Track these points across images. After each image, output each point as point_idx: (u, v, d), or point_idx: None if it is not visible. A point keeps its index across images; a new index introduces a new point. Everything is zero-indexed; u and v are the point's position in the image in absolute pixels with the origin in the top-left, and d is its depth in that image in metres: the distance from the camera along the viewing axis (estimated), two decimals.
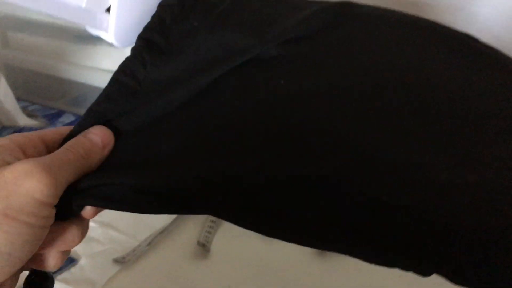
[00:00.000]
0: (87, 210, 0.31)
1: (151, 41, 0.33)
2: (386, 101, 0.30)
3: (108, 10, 0.30)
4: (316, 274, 0.52)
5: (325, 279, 0.51)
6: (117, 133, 0.31)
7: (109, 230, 0.57)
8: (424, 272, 0.28)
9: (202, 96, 0.31)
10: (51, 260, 0.30)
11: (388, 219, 0.26)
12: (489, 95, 0.32)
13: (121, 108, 0.32)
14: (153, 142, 0.31)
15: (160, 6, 0.34)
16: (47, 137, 0.31)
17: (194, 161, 0.29)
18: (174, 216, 0.58)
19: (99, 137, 0.31)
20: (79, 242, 0.31)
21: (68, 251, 0.32)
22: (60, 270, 0.50)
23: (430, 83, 0.32)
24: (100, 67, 0.73)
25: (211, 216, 0.59)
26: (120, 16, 0.31)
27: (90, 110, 0.32)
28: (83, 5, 0.29)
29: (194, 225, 0.58)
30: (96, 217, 0.59)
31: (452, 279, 0.27)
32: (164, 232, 0.56)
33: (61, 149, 0.29)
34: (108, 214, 0.59)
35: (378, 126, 0.29)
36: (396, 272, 0.51)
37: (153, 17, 0.33)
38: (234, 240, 0.57)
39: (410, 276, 0.51)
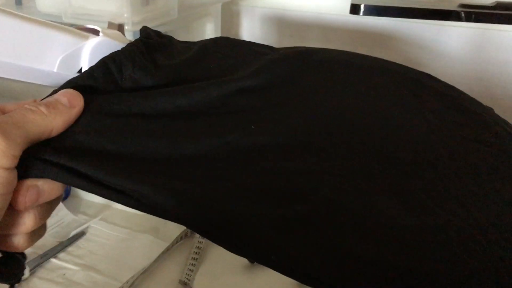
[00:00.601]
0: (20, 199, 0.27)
1: (147, 43, 0.34)
2: (343, 149, 0.32)
3: (80, 71, 0.32)
4: None
5: None
6: (95, 112, 0.30)
7: (91, 272, 0.57)
8: None
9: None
10: (16, 240, 0.28)
11: (354, 269, 0.27)
12: (446, 138, 0.34)
13: (101, 90, 0.31)
14: (132, 138, 0.30)
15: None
16: (7, 109, 0.29)
17: (169, 169, 0.29)
18: (155, 255, 0.59)
19: (66, 97, 0.28)
20: (40, 223, 0.29)
21: (39, 233, 0.30)
22: None
23: (388, 129, 0.34)
24: None
25: (193, 254, 0.60)
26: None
27: (69, 81, 0.31)
28: (55, 69, 0.31)
29: (175, 264, 0.59)
30: (77, 260, 0.60)
31: None
32: (145, 273, 0.57)
33: (20, 108, 0.27)
34: (89, 257, 0.60)
35: (337, 177, 0.30)
36: None
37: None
38: (216, 277, 0.57)
39: None
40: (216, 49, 0.38)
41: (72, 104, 0.29)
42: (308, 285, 0.29)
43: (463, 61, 0.80)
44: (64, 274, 0.57)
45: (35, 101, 0.29)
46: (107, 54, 0.32)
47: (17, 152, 0.25)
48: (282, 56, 0.38)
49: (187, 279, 0.56)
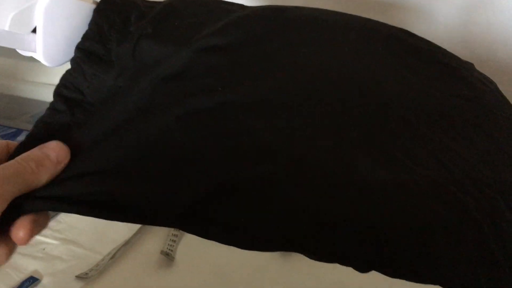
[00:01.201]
0: (20, 234, 0.30)
1: (89, 51, 0.33)
2: (315, 107, 0.31)
3: (34, 30, 0.30)
4: (280, 275, 0.52)
5: (290, 279, 0.52)
6: (73, 145, 0.31)
7: (71, 246, 0.56)
8: (361, 270, 0.28)
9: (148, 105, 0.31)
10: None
11: (319, 225, 0.27)
12: (421, 93, 0.33)
13: (69, 120, 0.32)
14: (112, 152, 0.30)
15: (96, 12, 0.34)
16: (10, 145, 0.31)
17: (153, 174, 0.29)
18: (136, 227, 0.58)
19: (55, 152, 0.30)
20: (3, 263, 0.31)
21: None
22: None
23: (362, 86, 0.33)
24: (56, 83, 0.73)
25: None
26: (47, 35, 0.30)
27: (39, 121, 0.31)
28: (6, 28, 0.29)
29: (157, 235, 0.58)
30: (57, 234, 0.59)
31: (390, 275, 0.28)
32: (127, 245, 0.56)
33: (12, 161, 0.28)
34: (69, 231, 0.59)
35: (305, 133, 0.29)
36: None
37: (90, 24, 0.33)
38: (199, 248, 0.57)
39: (374, 273, 0.52)
40: (183, 7, 0.37)
41: (59, 160, 0.30)
42: (283, 250, 0.28)
43: (448, 24, 0.78)
44: (44, 249, 0.56)
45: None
46: (64, 13, 0.31)
47: (4, 206, 0.27)
48: (252, 13, 0.36)
49: (169, 249, 0.55)
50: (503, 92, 0.39)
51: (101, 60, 0.33)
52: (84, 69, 0.32)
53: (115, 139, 0.30)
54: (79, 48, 0.33)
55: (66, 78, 0.32)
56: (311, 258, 0.28)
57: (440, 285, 0.26)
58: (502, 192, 0.29)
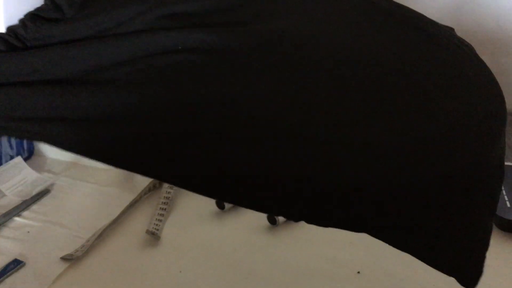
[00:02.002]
0: None
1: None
2: (285, 67, 0.30)
3: None
4: (266, 250, 0.52)
5: (276, 253, 0.52)
6: None
7: (56, 228, 0.56)
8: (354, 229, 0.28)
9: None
10: None
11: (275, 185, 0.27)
12: (387, 51, 0.33)
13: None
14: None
15: None
16: None
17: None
18: (122, 207, 0.57)
19: None
20: None
21: None
22: (7, 273, 0.49)
23: (334, 50, 0.32)
24: None
25: (161, 204, 0.59)
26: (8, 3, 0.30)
27: None
28: None
29: (144, 215, 0.58)
30: (42, 217, 0.58)
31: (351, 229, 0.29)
32: (113, 225, 0.55)
33: None
34: (54, 213, 0.58)
35: (268, 93, 0.29)
36: (346, 240, 0.52)
37: None
38: (185, 227, 0.56)
39: (360, 244, 0.52)
40: None
41: None
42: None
43: None
44: (28, 232, 0.55)
45: None
46: None
47: None
48: None
49: (155, 229, 0.55)
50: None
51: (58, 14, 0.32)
52: (26, 23, 0.32)
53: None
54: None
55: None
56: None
57: None
58: None
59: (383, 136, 0.28)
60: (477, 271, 0.32)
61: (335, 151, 0.27)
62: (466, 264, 0.31)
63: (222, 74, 0.29)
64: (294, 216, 0.29)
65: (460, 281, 0.32)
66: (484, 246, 0.32)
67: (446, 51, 0.35)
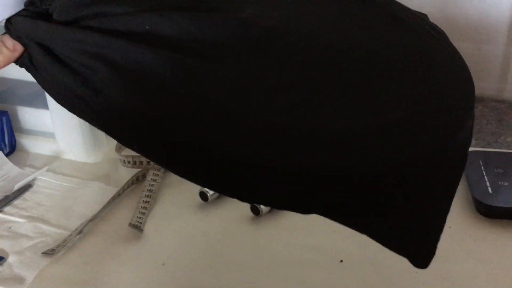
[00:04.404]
0: None
1: None
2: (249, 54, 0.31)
3: None
4: (250, 241, 0.52)
5: (260, 244, 0.52)
6: None
7: (38, 223, 0.55)
8: (304, 212, 0.29)
9: None
10: None
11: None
12: (357, 38, 0.33)
13: None
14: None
15: None
16: None
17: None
18: (104, 202, 0.57)
19: (11, 41, 0.32)
20: None
21: None
22: None
23: (311, 39, 0.32)
24: None
25: (144, 197, 0.58)
26: None
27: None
28: None
29: (127, 209, 0.57)
30: (23, 212, 0.57)
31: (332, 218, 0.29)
32: (95, 219, 0.55)
33: None
34: (36, 208, 0.58)
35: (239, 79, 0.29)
36: (329, 229, 0.53)
37: None
38: (168, 219, 0.56)
39: (343, 233, 0.52)
40: None
41: (15, 48, 0.33)
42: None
43: None
44: (10, 228, 0.55)
45: None
46: None
47: None
48: None
49: (138, 222, 0.55)
50: None
51: None
52: None
53: None
54: None
55: None
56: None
57: None
58: None
59: (342, 121, 0.28)
60: (430, 253, 0.33)
61: (293, 135, 0.27)
62: (420, 246, 0.32)
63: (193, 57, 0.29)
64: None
65: (412, 261, 0.33)
66: (439, 229, 0.33)
67: (416, 36, 0.35)
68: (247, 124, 0.27)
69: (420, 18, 0.37)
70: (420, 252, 0.32)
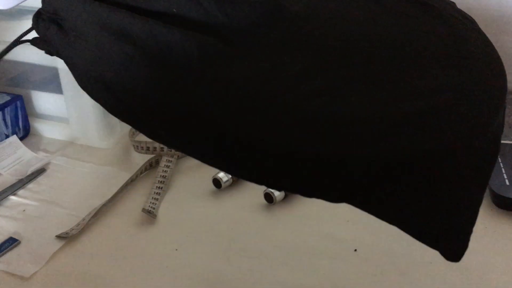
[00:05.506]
0: None
1: None
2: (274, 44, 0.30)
3: None
4: (264, 228, 0.52)
5: (274, 231, 0.51)
6: None
7: (51, 207, 0.55)
8: (332, 201, 0.28)
9: None
10: None
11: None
12: (388, 27, 0.32)
13: None
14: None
15: None
16: None
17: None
18: (119, 186, 0.57)
19: None
20: None
21: None
22: (2, 251, 0.49)
23: (332, 25, 0.32)
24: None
25: (157, 183, 0.58)
26: None
27: None
28: None
29: (140, 194, 0.57)
30: (37, 196, 0.58)
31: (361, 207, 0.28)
32: (109, 204, 0.55)
33: None
34: (50, 192, 0.58)
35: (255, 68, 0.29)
36: (343, 218, 0.52)
37: None
38: (181, 205, 0.56)
39: (358, 222, 0.51)
40: None
41: None
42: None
43: None
44: (24, 210, 0.55)
45: None
46: None
47: None
48: None
49: (151, 207, 0.54)
50: None
51: None
52: None
53: None
54: None
55: None
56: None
57: None
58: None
59: (371, 108, 0.27)
60: (462, 246, 0.31)
61: (321, 122, 0.27)
62: (451, 238, 0.31)
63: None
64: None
65: (444, 254, 0.32)
66: (471, 221, 0.31)
67: (446, 24, 0.34)
68: (275, 110, 0.27)
69: (450, 6, 0.36)
70: (452, 244, 0.31)
